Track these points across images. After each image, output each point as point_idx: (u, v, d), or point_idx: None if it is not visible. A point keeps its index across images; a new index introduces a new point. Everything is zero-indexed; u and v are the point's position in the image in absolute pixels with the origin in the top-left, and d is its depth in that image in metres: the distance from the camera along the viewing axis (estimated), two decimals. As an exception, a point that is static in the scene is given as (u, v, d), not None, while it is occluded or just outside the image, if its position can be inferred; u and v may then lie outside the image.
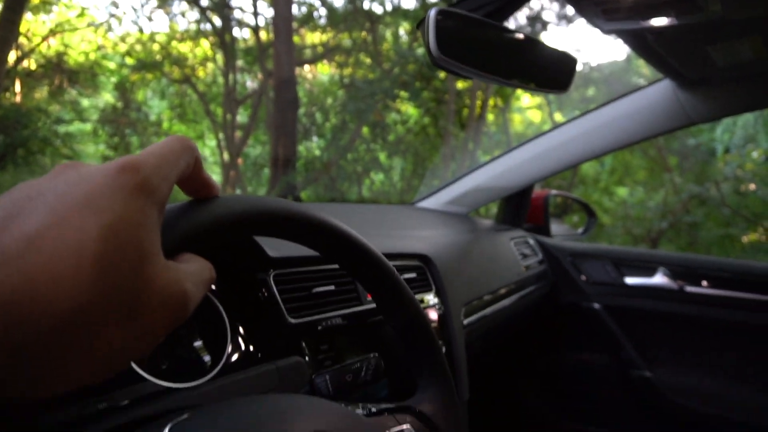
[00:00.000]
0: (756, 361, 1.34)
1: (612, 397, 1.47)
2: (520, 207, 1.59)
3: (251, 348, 0.55)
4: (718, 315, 1.36)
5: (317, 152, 6.62)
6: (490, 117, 7.02)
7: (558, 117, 6.85)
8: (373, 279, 0.47)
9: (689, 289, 1.40)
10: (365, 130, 6.54)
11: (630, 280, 1.45)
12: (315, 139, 6.73)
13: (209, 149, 6.90)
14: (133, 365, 0.43)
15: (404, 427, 0.45)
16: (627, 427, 1.45)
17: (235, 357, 0.52)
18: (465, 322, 0.95)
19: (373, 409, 0.47)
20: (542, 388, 1.59)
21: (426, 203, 1.53)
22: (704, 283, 1.39)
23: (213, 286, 0.55)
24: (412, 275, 0.85)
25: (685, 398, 1.36)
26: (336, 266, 0.66)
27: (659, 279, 1.43)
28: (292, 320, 0.59)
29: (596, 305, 1.47)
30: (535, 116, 7.75)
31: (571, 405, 1.54)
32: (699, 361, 1.39)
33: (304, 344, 0.60)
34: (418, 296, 0.83)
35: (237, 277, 0.58)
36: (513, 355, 1.63)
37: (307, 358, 0.59)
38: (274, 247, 0.61)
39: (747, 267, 1.38)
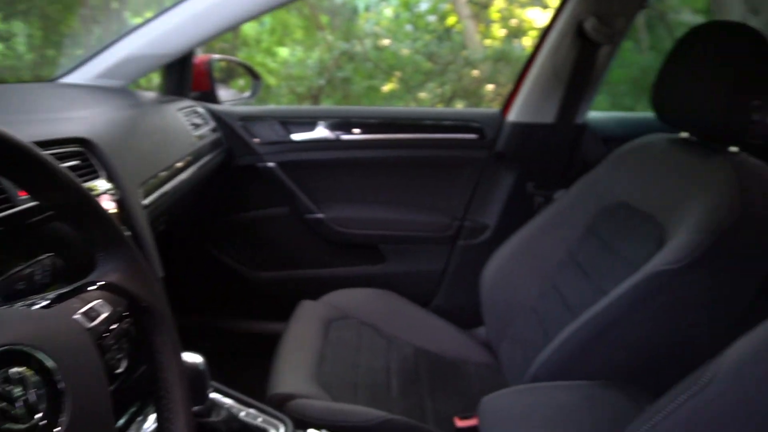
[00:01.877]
0: (401, 186, 1.69)
1: (294, 239, 1.68)
2: (183, 75, 1.52)
3: None
4: (370, 155, 1.64)
5: None
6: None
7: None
8: (22, 172, 0.42)
9: (345, 137, 1.63)
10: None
11: (296, 137, 1.61)
12: None
13: None
14: None
15: (94, 304, 0.44)
16: (310, 260, 1.70)
17: None
18: (145, 202, 0.92)
19: (51, 298, 0.44)
20: (234, 246, 1.69)
21: (72, 78, 1.33)
22: (356, 130, 1.63)
23: None
24: (75, 162, 0.77)
25: (349, 227, 1.65)
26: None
27: (321, 132, 1.62)
28: None
29: (270, 164, 1.59)
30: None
31: (262, 254, 1.70)
32: (359, 197, 1.68)
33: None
34: (87, 185, 0.76)
35: None
36: (201, 224, 1.67)
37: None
38: None
39: (387, 112, 1.68)
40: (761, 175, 0.96)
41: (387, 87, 4.91)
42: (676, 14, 4.43)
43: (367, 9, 5.23)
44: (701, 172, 1.00)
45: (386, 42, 4.81)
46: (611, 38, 1.42)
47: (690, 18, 4.34)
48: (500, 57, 4.63)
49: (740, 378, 0.55)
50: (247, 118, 1.59)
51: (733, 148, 1.01)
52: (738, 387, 0.55)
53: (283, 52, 5.43)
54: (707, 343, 0.99)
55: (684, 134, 1.14)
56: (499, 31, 5.63)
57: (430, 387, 1.21)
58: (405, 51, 4.80)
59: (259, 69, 1.93)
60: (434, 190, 1.70)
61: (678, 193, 1.02)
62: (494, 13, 5.60)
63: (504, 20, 5.59)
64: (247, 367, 1.24)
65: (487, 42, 5.18)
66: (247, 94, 1.88)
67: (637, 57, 4.38)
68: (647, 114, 1.49)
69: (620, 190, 1.19)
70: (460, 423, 1.09)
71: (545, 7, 4.86)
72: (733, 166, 0.96)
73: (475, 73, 4.76)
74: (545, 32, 1.51)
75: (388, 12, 5.38)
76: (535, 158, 1.62)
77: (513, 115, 1.60)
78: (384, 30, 4.96)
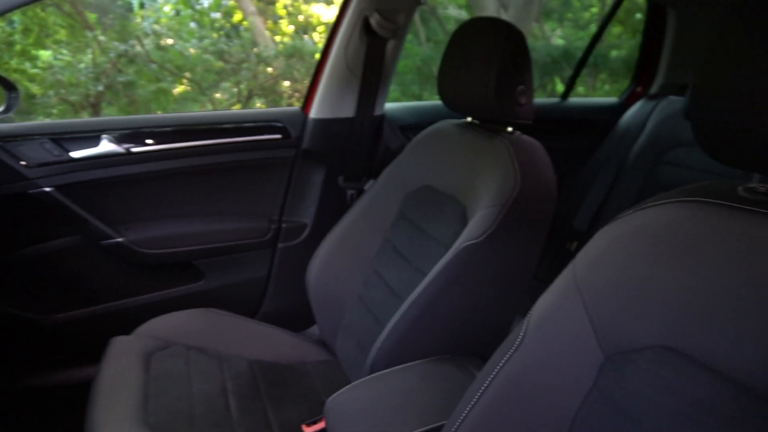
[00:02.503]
0: (210, 196, 1.59)
1: (92, 270, 1.48)
2: None
3: None
4: (170, 167, 1.51)
5: None
6: None
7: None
8: None
9: (137, 149, 1.47)
10: None
11: (76, 154, 1.40)
12: None
13: None
14: None
15: None
16: (115, 291, 1.51)
17: None
18: None
19: None
20: (15, 291, 1.43)
21: None
22: (149, 141, 1.48)
23: None
24: None
25: (156, 247, 1.51)
26: None
27: (107, 146, 1.43)
28: None
29: (47, 189, 1.36)
30: None
31: (53, 294, 1.46)
32: (164, 212, 1.54)
33: None
34: None
35: None
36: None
37: None
38: None
39: (182, 118, 1.55)
40: (532, 150, 1.11)
41: (178, 89, 4.59)
42: (444, 9, 4.94)
43: (142, 6, 4.80)
44: (486, 153, 1.13)
45: (170, 41, 4.48)
46: (395, 33, 1.50)
47: (456, 13, 4.87)
48: (293, 53, 4.65)
49: (542, 330, 0.63)
50: (7, 138, 1.34)
51: (509, 129, 1.16)
52: (541, 339, 0.63)
53: (46, 55, 4.72)
54: (514, 305, 1.13)
55: (469, 119, 1.27)
56: (287, 27, 5.63)
57: (272, 398, 1.17)
58: (192, 50, 4.53)
59: (15, 76, 1.63)
60: (246, 196, 1.64)
61: (471, 173, 1.14)
62: (280, 9, 5.58)
63: (291, 16, 5.61)
64: (59, 425, 1.06)
65: (278, 38, 5.15)
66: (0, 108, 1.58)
67: (417, 49, 4.76)
68: (437, 102, 1.63)
69: (422, 175, 1.28)
70: (307, 429, 1.07)
71: (329, 3, 5.00)
72: (511, 143, 1.09)
73: (270, 70, 4.70)
74: (334, 28, 1.54)
75: (168, 9, 5.01)
76: (341, 153, 1.66)
77: (314, 112, 1.62)
78: (165, 28, 4.61)
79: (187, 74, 4.49)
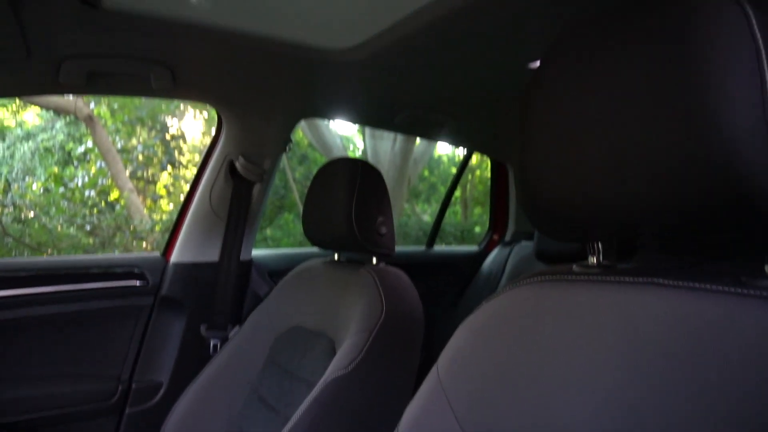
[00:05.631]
0: (49, 352, 1.36)
1: None
2: None
3: None
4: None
5: None
6: None
7: None
8: None
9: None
10: None
11: None
12: None
13: None
14: None
15: None
16: None
17: None
18: None
19: None
20: None
21: None
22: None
23: None
24: None
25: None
26: None
27: None
28: None
29: None
30: None
31: None
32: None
33: None
34: None
35: None
36: None
37: None
38: None
39: (22, 263, 1.37)
40: (396, 277, 1.13)
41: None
42: (314, 151, 5.54)
43: (8, 184, 4.62)
44: (353, 284, 1.13)
45: (31, 214, 4.25)
46: (261, 177, 1.55)
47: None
48: (170, 227, 4.60)
49: None
50: None
51: (374, 261, 1.18)
52: None
53: None
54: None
55: (335, 256, 1.29)
56: (167, 206, 5.64)
57: None
58: (58, 226, 4.31)
59: None
60: (93, 351, 1.43)
61: (339, 306, 1.12)
62: (161, 189, 5.64)
63: (172, 195, 5.66)
64: None
65: (156, 217, 5.11)
66: None
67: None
68: (308, 248, 1.64)
69: (291, 316, 1.24)
70: None
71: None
72: (376, 273, 1.11)
73: (144, 245, 4.55)
74: (199, 171, 1.56)
75: (35, 186, 4.86)
76: (204, 299, 1.56)
77: (176, 256, 1.54)
78: (31, 203, 4.41)
79: (49, 250, 4.19)
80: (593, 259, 0.56)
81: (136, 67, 1.20)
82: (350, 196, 1.12)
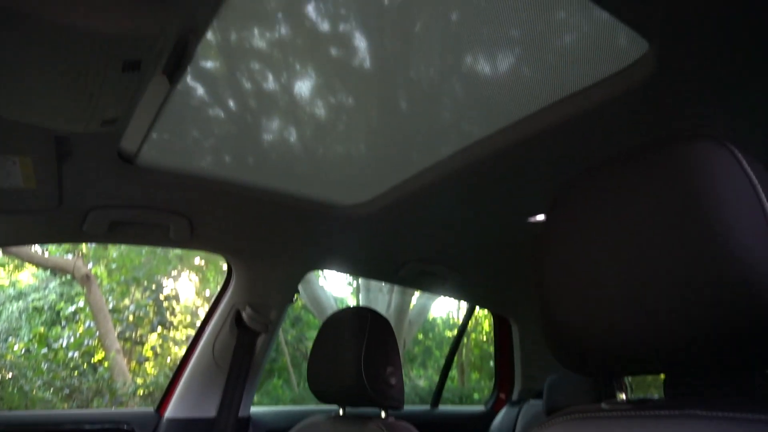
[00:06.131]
0: None
1: None
2: None
3: None
4: None
5: None
6: None
7: None
8: None
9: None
10: None
11: None
12: None
13: None
14: None
15: None
16: None
17: None
18: None
19: None
20: None
21: None
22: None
23: None
24: None
25: None
26: None
27: None
28: None
29: None
30: None
31: None
32: None
33: None
34: None
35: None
36: None
37: None
38: None
39: (16, 417, 1.30)
40: None
41: None
42: (307, 313, 5.33)
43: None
44: None
45: (9, 375, 4.04)
46: (266, 327, 1.54)
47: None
48: (154, 391, 4.35)
49: None
50: None
51: (383, 414, 1.12)
52: None
53: None
54: None
55: (341, 411, 1.22)
56: (152, 369, 5.42)
57: None
58: (34, 389, 4.07)
59: None
60: None
61: None
62: (147, 351, 5.46)
63: (159, 357, 5.46)
64: None
65: (139, 380, 4.87)
66: None
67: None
68: (309, 406, 1.56)
69: None
70: None
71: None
72: (386, 427, 1.06)
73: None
74: (204, 322, 1.54)
75: (17, 347, 4.70)
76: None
77: (171, 411, 1.46)
78: (10, 363, 4.22)
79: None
80: (622, 395, 0.56)
81: (158, 217, 1.27)
82: (359, 345, 1.10)
